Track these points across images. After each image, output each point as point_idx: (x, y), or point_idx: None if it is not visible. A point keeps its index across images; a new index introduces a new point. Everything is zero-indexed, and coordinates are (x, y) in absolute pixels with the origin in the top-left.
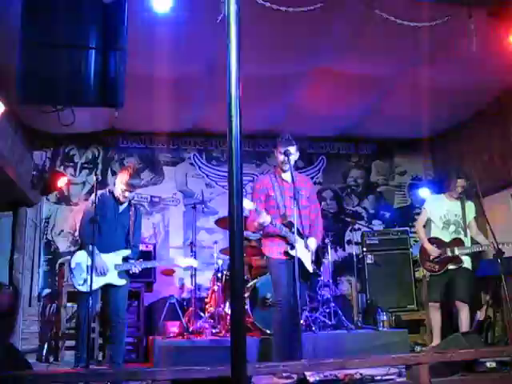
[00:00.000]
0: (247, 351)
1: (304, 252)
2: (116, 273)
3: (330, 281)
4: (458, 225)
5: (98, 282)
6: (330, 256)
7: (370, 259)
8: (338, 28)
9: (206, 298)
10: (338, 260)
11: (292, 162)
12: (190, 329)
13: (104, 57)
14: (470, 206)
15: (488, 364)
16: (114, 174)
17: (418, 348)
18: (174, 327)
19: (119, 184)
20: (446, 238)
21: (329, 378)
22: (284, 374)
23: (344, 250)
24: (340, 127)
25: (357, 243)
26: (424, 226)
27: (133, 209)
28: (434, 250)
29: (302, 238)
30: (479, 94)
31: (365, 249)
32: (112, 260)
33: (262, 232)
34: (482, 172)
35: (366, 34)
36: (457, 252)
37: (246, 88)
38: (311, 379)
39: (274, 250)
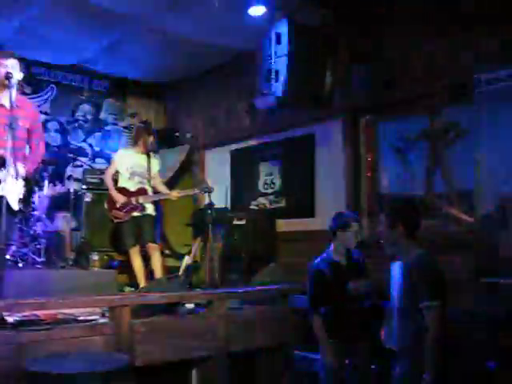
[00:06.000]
0: None
1: (11, 191)
2: None
3: (44, 216)
4: (143, 176)
5: None
6: (47, 190)
7: (88, 197)
8: None
9: None
10: (56, 195)
11: (14, 81)
12: None
13: None
14: (156, 161)
15: (187, 306)
16: None
17: (127, 289)
18: None
19: None
20: (132, 188)
21: (29, 317)
22: None
23: (63, 185)
24: (76, 58)
25: (77, 180)
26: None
27: None
28: (120, 198)
29: (13, 173)
30: (216, 49)
31: (84, 186)
32: None
33: None
34: (209, 126)
35: None
36: (141, 200)
37: None
38: (10, 319)
39: None
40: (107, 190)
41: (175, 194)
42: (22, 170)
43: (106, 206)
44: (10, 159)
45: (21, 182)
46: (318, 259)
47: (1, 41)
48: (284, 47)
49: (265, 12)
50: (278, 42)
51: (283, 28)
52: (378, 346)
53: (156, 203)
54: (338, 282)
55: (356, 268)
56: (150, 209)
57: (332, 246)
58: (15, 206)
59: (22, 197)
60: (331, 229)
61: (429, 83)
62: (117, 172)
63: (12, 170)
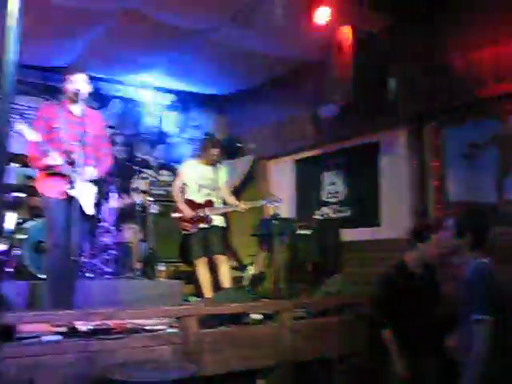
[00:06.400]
0: (18, 297)
1: (86, 193)
2: None
3: (113, 227)
4: (210, 188)
5: None
6: (115, 202)
7: (154, 209)
8: None
9: None
10: (123, 207)
11: (83, 92)
12: None
13: None
14: (223, 172)
15: (253, 316)
16: None
17: (193, 299)
18: None
19: None
20: (199, 200)
21: (101, 326)
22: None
23: (129, 197)
24: (140, 73)
25: (143, 192)
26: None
27: None
28: (188, 211)
29: (84, 177)
30: (278, 60)
31: (150, 198)
32: None
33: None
34: (272, 136)
35: None
36: (208, 212)
37: (40, 18)
38: (83, 328)
39: (51, 189)
40: (173, 201)
41: (243, 205)
42: (92, 174)
43: (173, 217)
44: (81, 163)
45: (92, 187)
46: (393, 269)
47: (70, 58)
48: (347, 55)
49: (327, 21)
50: (342, 50)
51: (346, 36)
52: (449, 359)
53: (224, 214)
54: (412, 294)
55: (432, 281)
56: (217, 220)
57: (409, 257)
58: (88, 211)
59: (95, 201)
60: (411, 239)
61: (498, 86)
62: (184, 184)
63: (83, 174)
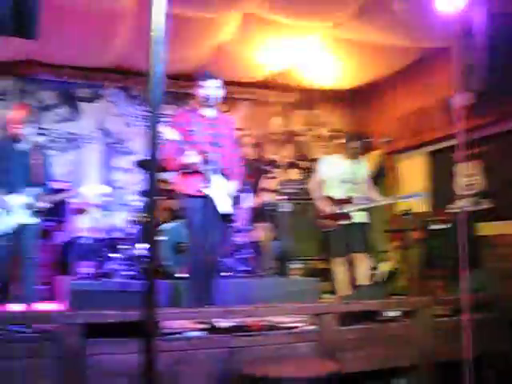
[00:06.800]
0: (160, 295)
1: (221, 192)
2: (24, 212)
3: (244, 227)
4: (351, 183)
5: (8, 224)
6: (246, 202)
7: (285, 207)
8: None
9: (121, 239)
10: (254, 206)
11: (213, 96)
12: (103, 270)
13: None
14: (363, 166)
15: (390, 314)
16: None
17: (327, 296)
18: (85, 268)
19: (14, 122)
20: (339, 196)
21: (239, 324)
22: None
23: (260, 196)
24: (265, 74)
25: (273, 191)
26: (319, 184)
27: (34, 147)
28: (326, 207)
29: (221, 177)
30: (404, 51)
31: (281, 197)
32: (19, 200)
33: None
34: (401, 129)
35: None
36: (348, 208)
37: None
38: (222, 325)
39: (189, 187)
40: (304, 199)
41: (386, 200)
42: (227, 174)
43: (308, 214)
44: (215, 163)
45: (228, 186)
46: None
47: (197, 64)
48: (481, 39)
49: (458, 5)
50: (475, 34)
51: (479, 19)
52: None
53: (366, 209)
54: None
55: None
56: (359, 216)
57: None
58: (224, 210)
59: (231, 200)
60: None
61: None
62: (322, 180)
63: (218, 174)
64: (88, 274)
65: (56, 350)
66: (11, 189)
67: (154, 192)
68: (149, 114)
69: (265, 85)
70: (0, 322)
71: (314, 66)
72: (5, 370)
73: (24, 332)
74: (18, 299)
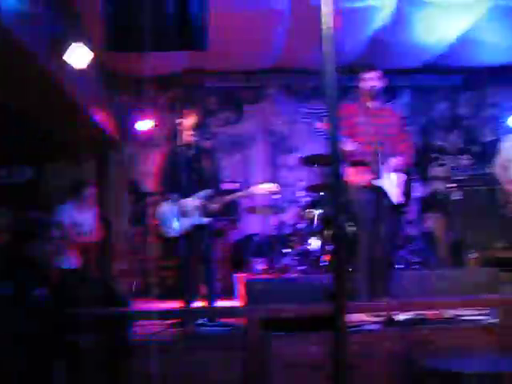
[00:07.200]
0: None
1: (391, 183)
2: (199, 213)
3: (415, 217)
4: None
5: (184, 225)
6: (415, 192)
7: (456, 195)
8: None
9: (291, 235)
10: (423, 196)
11: (377, 87)
12: (276, 266)
13: None
14: None
15: None
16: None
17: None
18: (259, 264)
19: (185, 129)
20: None
21: (416, 316)
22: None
23: (429, 185)
24: (426, 58)
25: (443, 179)
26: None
27: (204, 152)
28: None
29: (390, 167)
30: None
31: (451, 185)
32: (193, 203)
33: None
34: None
35: None
36: None
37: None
38: (399, 317)
39: (358, 179)
40: (476, 185)
41: None
42: (397, 164)
43: (483, 200)
44: (385, 154)
45: (398, 176)
46: None
47: (353, 57)
48: None
49: None
50: None
51: None
52: None
53: None
54: None
55: None
56: None
57: None
58: (396, 200)
59: (402, 190)
60: None
61: None
62: (508, 161)
63: (388, 164)
64: (263, 269)
65: (240, 343)
66: (185, 192)
67: (338, 186)
68: (326, 110)
69: (426, 69)
70: (186, 317)
71: (479, 43)
72: (194, 361)
73: (209, 326)
74: (199, 296)
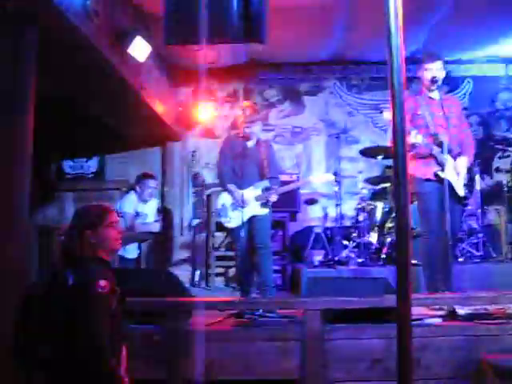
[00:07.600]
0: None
1: (455, 174)
2: (257, 204)
3: (478, 210)
4: None
5: (243, 216)
6: (478, 184)
7: None
8: None
9: (351, 227)
10: (486, 188)
11: (439, 78)
12: (335, 258)
13: None
14: None
15: None
16: None
17: None
18: (318, 256)
19: (245, 121)
20: None
21: (479, 311)
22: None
23: (492, 178)
24: (487, 48)
25: (507, 171)
26: None
27: (262, 143)
28: None
29: (453, 159)
30: None
31: None
32: (251, 193)
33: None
34: None
35: None
36: None
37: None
38: (461, 311)
39: (422, 171)
40: None
41: None
42: (464, 166)
43: None
44: (448, 145)
45: (459, 167)
46: None
47: (414, 47)
48: None
49: None
50: None
51: None
52: None
53: None
54: None
55: None
56: None
57: None
58: (461, 192)
59: (466, 182)
60: None
61: None
62: None
63: (451, 156)
64: (321, 261)
65: (299, 334)
66: (245, 183)
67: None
68: (388, 101)
69: (488, 59)
70: (246, 308)
71: None
72: (253, 351)
73: (268, 317)
74: (258, 286)
